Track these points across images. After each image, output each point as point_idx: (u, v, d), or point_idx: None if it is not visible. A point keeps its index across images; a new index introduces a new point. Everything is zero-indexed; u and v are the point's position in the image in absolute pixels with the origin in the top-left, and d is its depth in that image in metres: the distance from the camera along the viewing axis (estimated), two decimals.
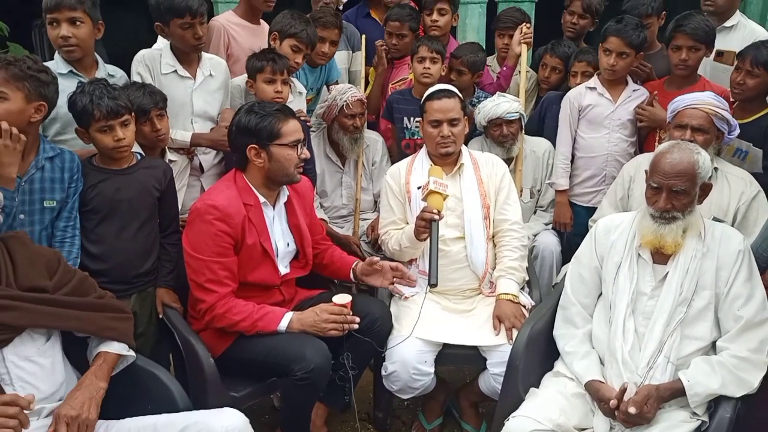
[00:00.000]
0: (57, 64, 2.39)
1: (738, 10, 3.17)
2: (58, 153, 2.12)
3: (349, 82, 3.45)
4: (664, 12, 3.18)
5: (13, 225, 2.00)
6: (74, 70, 2.41)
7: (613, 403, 1.87)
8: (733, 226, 2.30)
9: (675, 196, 1.92)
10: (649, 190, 1.98)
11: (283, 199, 2.31)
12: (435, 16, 3.35)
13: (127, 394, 1.85)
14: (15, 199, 1.99)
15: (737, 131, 2.40)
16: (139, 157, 2.29)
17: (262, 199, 2.23)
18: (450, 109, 2.53)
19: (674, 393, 1.88)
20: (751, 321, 1.89)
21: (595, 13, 3.40)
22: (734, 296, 1.92)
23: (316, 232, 2.46)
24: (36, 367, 1.70)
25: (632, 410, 1.82)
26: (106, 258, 2.19)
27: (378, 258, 2.44)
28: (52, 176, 2.09)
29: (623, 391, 1.87)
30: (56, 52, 2.44)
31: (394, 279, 2.39)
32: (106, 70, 2.55)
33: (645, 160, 2.58)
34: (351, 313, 2.17)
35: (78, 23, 2.32)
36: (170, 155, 2.54)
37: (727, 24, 3.10)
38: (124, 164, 2.22)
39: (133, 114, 2.20)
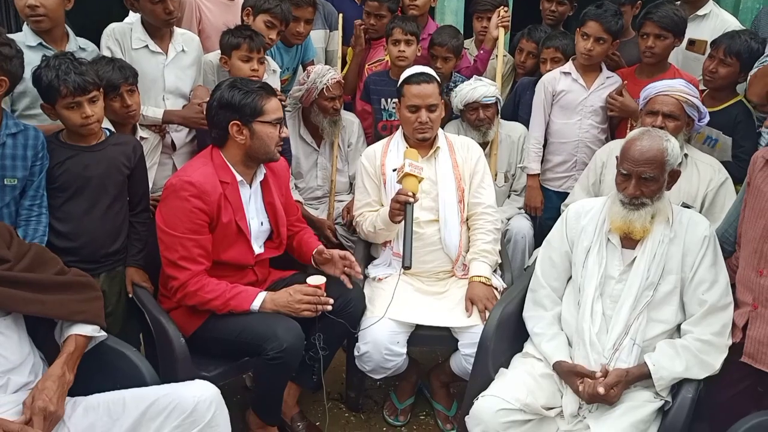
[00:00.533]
0: (26, 36, 2.33)
1: (711, 0, 3.20)
2: (22, 129, 2.05)
3: (325, 62, 3.41)
4: (639, 1, 3.20)
5: None
6: (43, 43, 2.34)
7: (590, 383, 1.90)
8: (700, 212, 2.35)
9: (644, 182, 1.96)
10: (619, 176, 2.01)
11: (260, 177, 2.29)
12: None
13: (94, 372, 1.83)
14: None
15: (707, 118, 2.44)
16: (108, 134, 2.24)
17: (239, 177, 2.20)
18: (429, 95, 2.51)
19: (641, 377, 1.93)
20: (714, 305, 1.95)
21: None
22: (699, 281, 1.97)
23: (291, 213, 2.45)
24: (3, 338, 1.68)
25: (601, 390, 1.87)
26: (74, 236, 2.15)
27: (325, 248, 2.42)
28: (14, 153, 2.02)
29: (605, 373, 1.91)
30: (24, 22, 2.36)
31: (345, 269, 2.33)
32: (77, 43, 2.48)
33: (617, 146, 2.60)
34: (325, 294, 2.17)
35: None
36: (141, 132, 2.49)
37: (700, 13, 3.13)
38: (93, 141, 2.17)
39: (101, 90, 2.14)
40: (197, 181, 2.08)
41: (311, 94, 2.96)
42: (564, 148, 3.05)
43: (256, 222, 2.29)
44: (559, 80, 3.00)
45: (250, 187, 2.26)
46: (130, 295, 2.27)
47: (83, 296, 1.83)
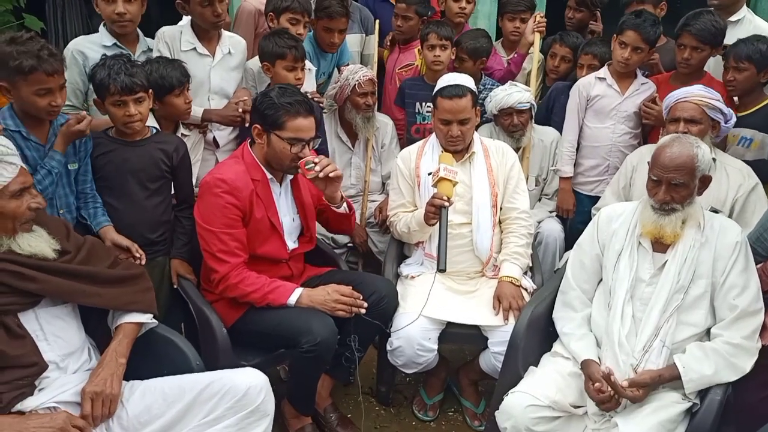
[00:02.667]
0: (101, 37, 2.51)
1: (745, 5, 3.19)
2: (66, 119, 2.19)
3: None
4: (663, 2, 3.22)
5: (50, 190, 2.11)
6: (118, 43, 2.51)
7: (597, 386, 1.94)
8: (730, 217, 2.37)
9: (674, 188, 1.99)
10: (650, 182, 2.05)
11: (289, 177, 2.38)
12: (464, 3, 3.40)
13: (144, 358, 1.94)
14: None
15: (733, 119, 2.48)
16: (153, 131, 2.36)
17: (269, 175, 2.29)
18: (461, 110, 2.52)
19: (671, 379, 1.96)
20: (745, 310, 1.96)
21: (591, 5, 3.46)
22: (730, 286, 1.99)
23: (322, 200, 2.48)
24: (65, 324, 1.81)
25: (624, 383, 1.91)
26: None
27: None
28: None
29: (607, 376, 1.94)
30: (102, 24, 2.55)
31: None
32: (146, 44, 2.63)
33: (648, 151, 2.66)
34: (360, 297, 2.25)
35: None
36: (183, 130, 2.59)
37: (733, 18, 3.12)
38: (137, 137, 2.29)
39: (150, 91, 2.26)
40: (229, 178, 2.18)
41: (344, 90, 3.05)
42: (597, 152, 3.07)
43: (288, 218, 2.38)
44: (594, 85, 3.03)
45: (280, 184, 2.35)
46: (175, 286, 2.38)
47: (136, 288, 1.95)
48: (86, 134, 2.16)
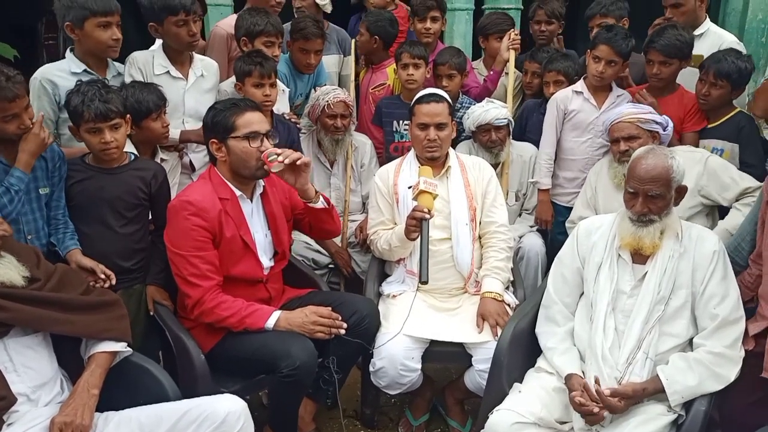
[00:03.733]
0: (70, 64, 2.46)
1: (708, 18, 3.25)
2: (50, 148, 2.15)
3: (339, 86, 3.51)
4: (625, 18, 3.29)
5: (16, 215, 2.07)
6: (87, 69, 2.47)
7: (574, 395, 1.93)
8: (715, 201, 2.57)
9: (651, 200, 2.00)
10: (627, 194, 2.06)
11: (259, 190, 2.35)
12: (428, 24, 3.44)
13: (119, 388, 1.89)
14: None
15: (670, 125, 2.66)
16: (132, 158, 2.32)
17: (237, 192, 2.26)
18: (438, 114, 2.59)
19: (655, 391, 1.94)
20: (726, 319, 1.97)
21: (560, 17, 3.51)
22: (710, 295, 2.00)
23: (298, 206, 2.46)
24: (36, 354, 1.76)
25: (607, 392, 1.90)
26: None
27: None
28: (40, 164, 2.14)
29: (587, 386, 1.94)
30: (67, 50, 2.50)
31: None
32: (116, 69, 2.61)
33: (606, 162, 2.85)
34: (339, 318, 2.22)
35: (119, 26, 2.42)
36: (161, 154, 2.57)
37: (696, 32, 3.16)
38: (114, 164, 2.25)
39: (126, 117, 2.23)
40: (195, 200, 2.16)
41: (315, 110, 3.06)
42: (574, 164, 3.10)
43: (261, 234, 2.34)
44: (572, 99, 3.05)
45: (251, 200, 2.32)
46: (152, 313, 2.33)
47: (109, 315, 1.91)
48: (47, 144, 2.08)
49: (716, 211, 2.70)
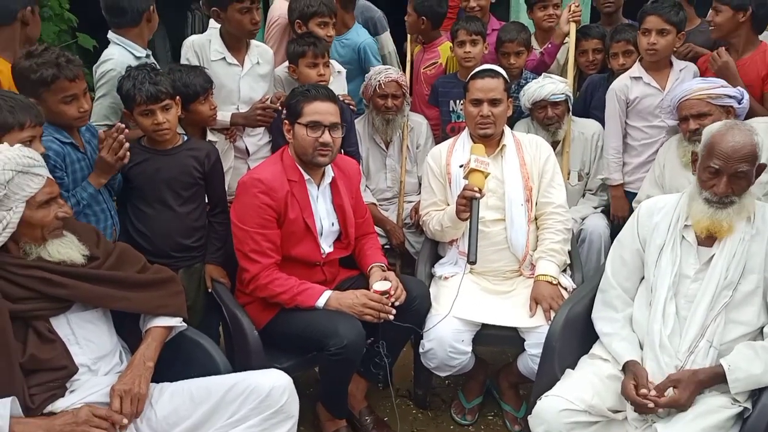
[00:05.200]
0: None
1: None
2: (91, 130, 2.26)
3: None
4: None
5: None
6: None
7: (643, 392, 1.83)
8: None
9: (736, 180, 1.86)
10: (706, 173, 1.90)
11: (328, 179, 2.36)
12: None
13: (174, 361, 1.97)
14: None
15: (746, 98, 2.45)
16: (185, 139, 2.39)
17: (306, 175, 2.29)
18: (492, 89, 2.51)
19: (714, 378, 1.82)
20: None
21: None
22: None
23: (359, 215, 2.50)
24: (96, 328, 1.85)
25: (644, 392, 1.82)
26: (149, 233, 2.31)
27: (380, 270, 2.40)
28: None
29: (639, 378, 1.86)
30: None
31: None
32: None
33: (676, 140, 2.67)
34: (390, 303, 2.22)
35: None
36: (210, 136, 2.62)
37: None
38: (168, 145, 2.33)
39: (176, 99, 2.30)
40: (265, 179, 2.20)
41: (368, 91, 3.05)
42: (646, 149, 2.91)
43: (327, 222, 2.36)
44: (631, 87, 2.87)
45: (318, 187, 2.34)
46: (210, 290, 2.41)
47: (166, 291, 1.98)
48: (116, 168, 2.17)
49: None
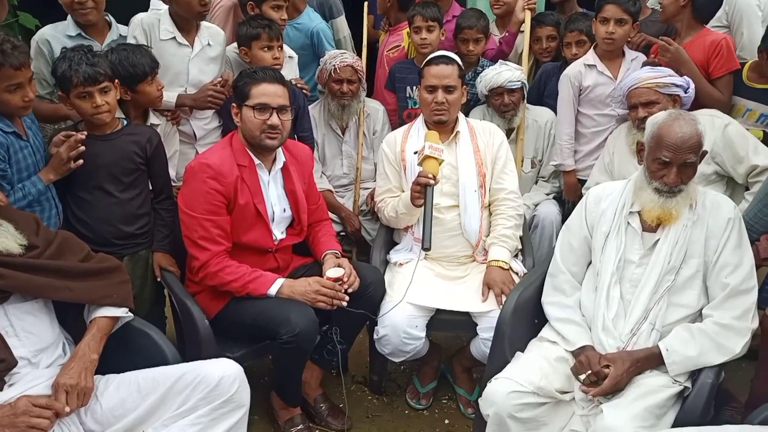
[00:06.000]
0: (67, 27, 2.49)
1: None
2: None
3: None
4: None
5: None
6: (82, 33, 2.48)
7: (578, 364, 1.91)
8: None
9: (685, 169, 1.90)
10: (656, 164, 1.94)
11: (279, 164, 2.33)
12: None
13: (121, 352, 1.92)
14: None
15: (692, 87, 2.52)
16: (125, 123, 2.32)
17: (256, 161, 2.25)
18: (446, 76, 2.51)
19: (650, 358, 1.88)
20: (736, 288, 1.88)
21: None
22: (722, 264, 1.91)
23: (312, 201, 2.48)
24: (36, 320, 1.79)
25: (582, 377, 1.88)
26: (89, 221, 2.24)
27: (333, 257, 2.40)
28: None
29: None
30: (68, 15, 2.52)
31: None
32: (118, 32, 2.60)
33: (625, 128, 2.72)
34: (343, 290, 2.21)
35: None
36: (153, 119, 2.53)
37: None
38: (107, 130, 2.25)
39: (116, 81, 2.22)
40: (213, 163, 2.16)
41: (323, 75, 3.02)
42: (598, 136, 2.95)
43: (279, 208, 2.33)
44: (585, 74, 2.91)
45: (269, 172, 2.31)
46: (158, 279, 2.36)
47: (110, 281, 1.92)
48: (69, 167, 2.13)
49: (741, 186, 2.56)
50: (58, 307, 1.89)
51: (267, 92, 2.17)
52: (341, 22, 3.52)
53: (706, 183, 2.46)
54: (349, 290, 2.23)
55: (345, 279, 2.23)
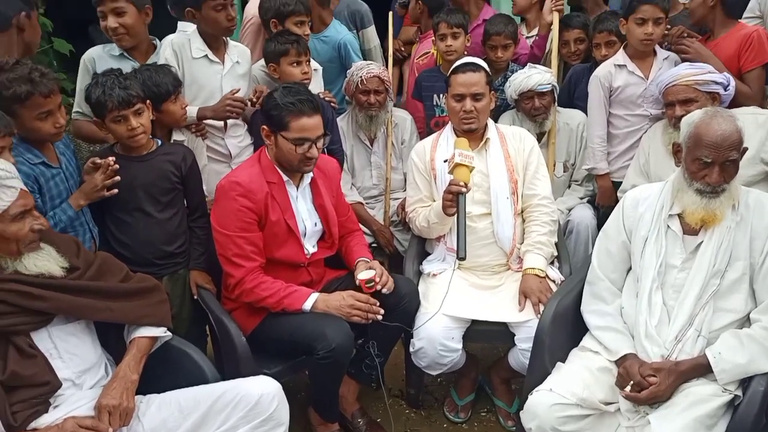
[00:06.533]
0: (113, 47, 2.59)
1: None
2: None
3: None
4: None
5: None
6: (125, 54, 2.57)
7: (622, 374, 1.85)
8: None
9: (726, 168, 1.85)
10: (696, 164, 1.88)
11: (307, 179, 2.34)
12: None
13: (161, 371, 1.94)
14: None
15: (732, 84, 2.44)
16: (159, 143, 2.35)
17: (284, 177, 2.26)
18: (474, 83, 2.49)
19: (697, 368, 1.82)
20: None
21: None
22: None
23: (342, 213, 2.47)
24: (79, 341, 1.82)
25: (627, 388, 1.81)
26: (130, 242, 2.27)
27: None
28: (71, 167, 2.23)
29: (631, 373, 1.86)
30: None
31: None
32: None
33: (660, 127, 2.66)
34: (377, 291, 2.20)
35: (122, 13, 2.47)
36: (176, 135, 2.55)
37: None
38: (143, 151, 2.28)
39: (147, 102, 2.25)
40: (243, 181, 2.17)
41: (350, 87, 3.02)
42: (631, 136, 2.89)
43: (310, 222, 2.34)
44: (615, 75, 2.84)
45: (297, 188, 2.31)
46: (195, 297, 2.38)
47: (149, 301, 1.94)
48: (102, 194, 2.15)
49: None
50: (100, 328, 1.92)
51: (307, 126, 2.15)
52: (371, 32, 3.53)
53: (751, 185, 2.37)
54: (383, 290, 2.22)
55: (377, 279, 2.21)
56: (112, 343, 1.96)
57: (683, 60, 2.72)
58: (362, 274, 2.24)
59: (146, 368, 1.87)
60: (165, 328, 1.95)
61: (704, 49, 2.66)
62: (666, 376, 1.81)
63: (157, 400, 1.87)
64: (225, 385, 1.87)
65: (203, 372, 1.96)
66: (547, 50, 3.24)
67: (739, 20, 2.74)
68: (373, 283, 2.22)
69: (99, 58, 2.58)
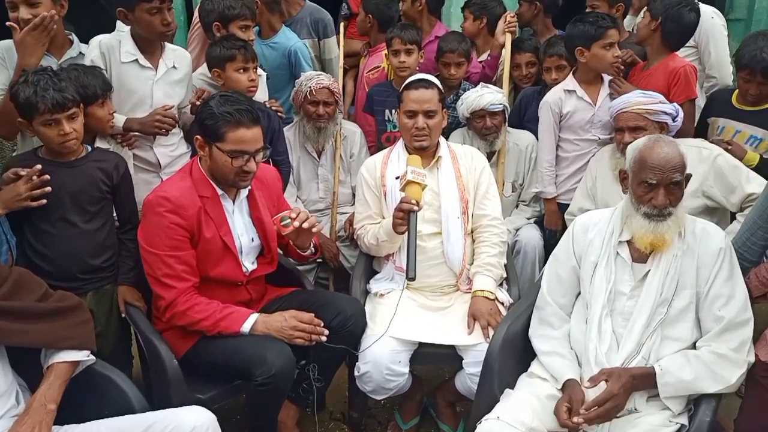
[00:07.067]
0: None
1: None
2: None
3: (323, 71, 3.34)
4: (620, 3, 3.17)
5: None
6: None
7: (576, 420, 1.79)
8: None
9: (672, 190, 1.86)
10: (642, 187, 1.89)
11: (245, 192, 2.21)
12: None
13: (82, 397, 1.78)
14: None
15: (680, 115, 2.51)
16: (89, 149, 2.17)
17: (219, 191, 2.13)
18: (426, 100, 2.44)
19: (645, 377, 1.82)
20: (732, 321, 1.83)
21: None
22: (715, 296, 1.86)
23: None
24: None
25: (577, 420, 1.77)
26: (51, 254, 2.09)
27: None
28: None
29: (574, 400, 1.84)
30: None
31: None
32: (79, 50, 2.46)
33: (608, 151, 2.70)
34: (321, 324, 2.10)
35: (35, 4, 2.24)
36: (99, 143, 2.37)
37: None
38: (72, 157, 2.11)
39: (81, 106, 2.08)
40: (173, 196, 2.03)
41: (298, 97, 2.93)
42: (580, 159, 2.90)
43: (246, 238, 2.22)
44: (565, 101, 2.86)
45: (233, 202, 2.19)
46: (123, 315, 2.21)
47: (70, 321, 1.78)
48: (21, 204, 1.99)
49: (726, 211, 2.53)
50: (12, 351, 1.73)
51: (245, 138, 2.02)
52: (332, 42, 3.44)
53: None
54: (305, 226, 2.10)
55: (292, 216, 2.09)
56: (25, 367, 1.78)
57: (611, 98, 2.77)
58: (279, 215, 2.11)
59: (66, 394, 1.71)
60: (88, 352, 1.78)
61: (631, 87, 2.70)
62: (617, 379, 1.80)
63: (77, 430, 1.70)
64: (154, 415, 1.73)
65: (129, 400, 1.81)
66: (498, 71, 3.24)
67: (674, 52, 2.81)
68: (288, 220, 2.08)
69: (9, 50, 2.33)
